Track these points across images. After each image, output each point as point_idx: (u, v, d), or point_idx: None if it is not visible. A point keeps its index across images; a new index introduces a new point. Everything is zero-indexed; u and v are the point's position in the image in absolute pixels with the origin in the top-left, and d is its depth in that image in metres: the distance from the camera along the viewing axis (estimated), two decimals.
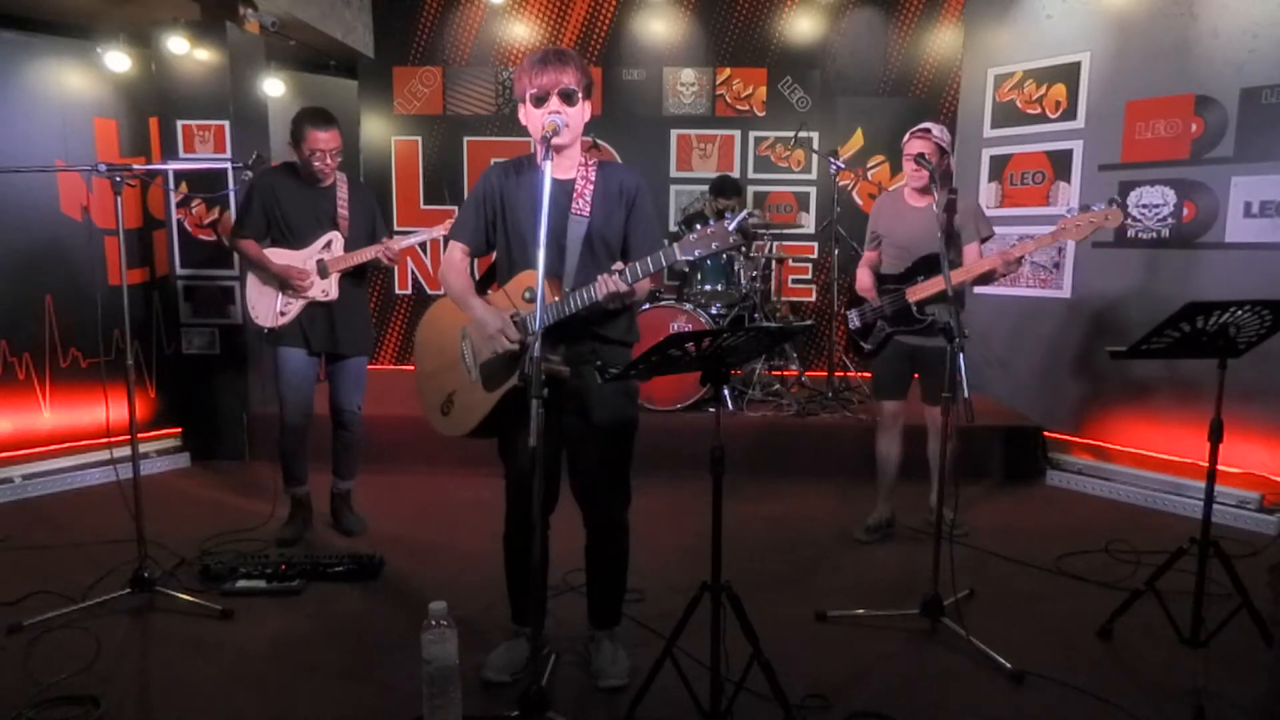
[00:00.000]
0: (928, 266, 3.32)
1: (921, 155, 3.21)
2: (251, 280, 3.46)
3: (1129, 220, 4.52)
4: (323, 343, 3.46)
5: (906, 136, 3.40)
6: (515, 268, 2.29)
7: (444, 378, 2.43)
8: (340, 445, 3.64)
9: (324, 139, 3.31)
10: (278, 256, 3.39)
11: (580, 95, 2.20)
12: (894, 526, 3.66)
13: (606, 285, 2.08)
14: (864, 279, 3.54)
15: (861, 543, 3.57)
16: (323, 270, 3.40)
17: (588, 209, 2.26)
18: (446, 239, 2.49)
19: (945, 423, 2.75)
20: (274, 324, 3.41)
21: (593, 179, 2.29)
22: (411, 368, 2.54)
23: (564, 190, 2.25)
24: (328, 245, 3.42)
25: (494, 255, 2.41)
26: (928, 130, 3.36)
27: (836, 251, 5.21)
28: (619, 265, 2.09)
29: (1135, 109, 4.50)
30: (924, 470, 3.63)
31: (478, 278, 2.44)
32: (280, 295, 3.40)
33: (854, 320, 3.61)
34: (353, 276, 3.49)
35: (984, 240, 3.46)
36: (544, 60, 2.17)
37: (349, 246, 3.43)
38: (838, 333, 5.34)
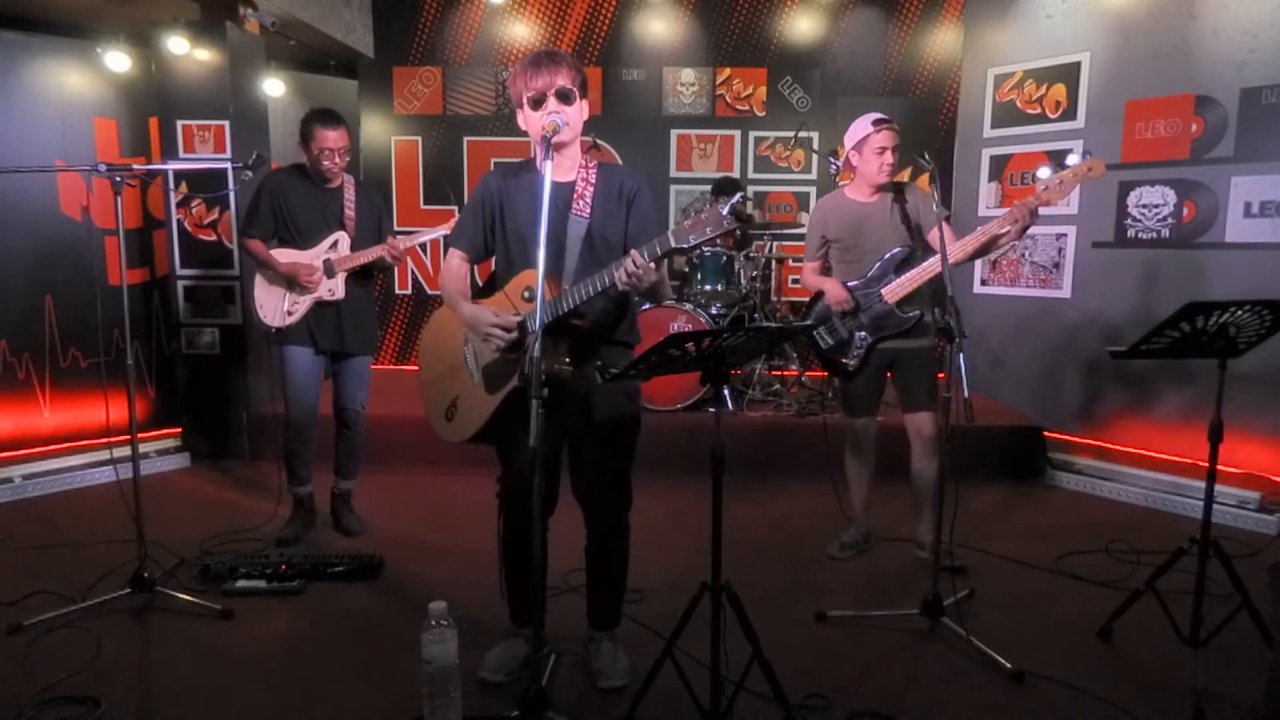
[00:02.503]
0: (895, 263, 3.13)
1: (897, 148, 3.09)
2: (259, 280, 3.46)
3: (1129, 220, 4.52)
4: (330, 341, 3.47)
5: (869, 129, 3.10)
6: (514, 269, 2.30)
7: (448, 383, 2.43)
8: (343, 444, 3.65)
9: (332, 138, 3.33)
10: (285, 256, 3.40)
11: (577, 94, 2.20)
12: (870, 542, 3.51)
13: (628, 267, 2.01)
14: (836, 288, 3.21)
15: (836, 560, 3.39)
16: (329, 270, 3.41)
17: (588, 209, 2.26)
18: (447, 243, 2.49)
19: (945, 423, 2.73)
20: (281, 323, 3.42)
21: (593, 180, 2.29)
22: (412, 368, 2.53)
23: (564, 191, 2.26)
24: (334, 245, 3.44)
25: (493, 262, 2.41)
26: (891, 120, 3.13)
27: None
28: (634, 252, 2.05)
29: (1135, 109, 4.50)
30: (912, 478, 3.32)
31: (480, 285, 2.44)
32: (287, 294, 3.41)
33: (824, 338, 3.30)
34: (359, 276, 3.50)
35: (946, 220, 3.08)
36: (537, 62, 2.17)
37: (355, 246, 3.44)
38: None
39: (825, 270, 3.39)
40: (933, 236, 3.11)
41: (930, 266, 3.04)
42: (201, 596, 2.93)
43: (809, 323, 3.32)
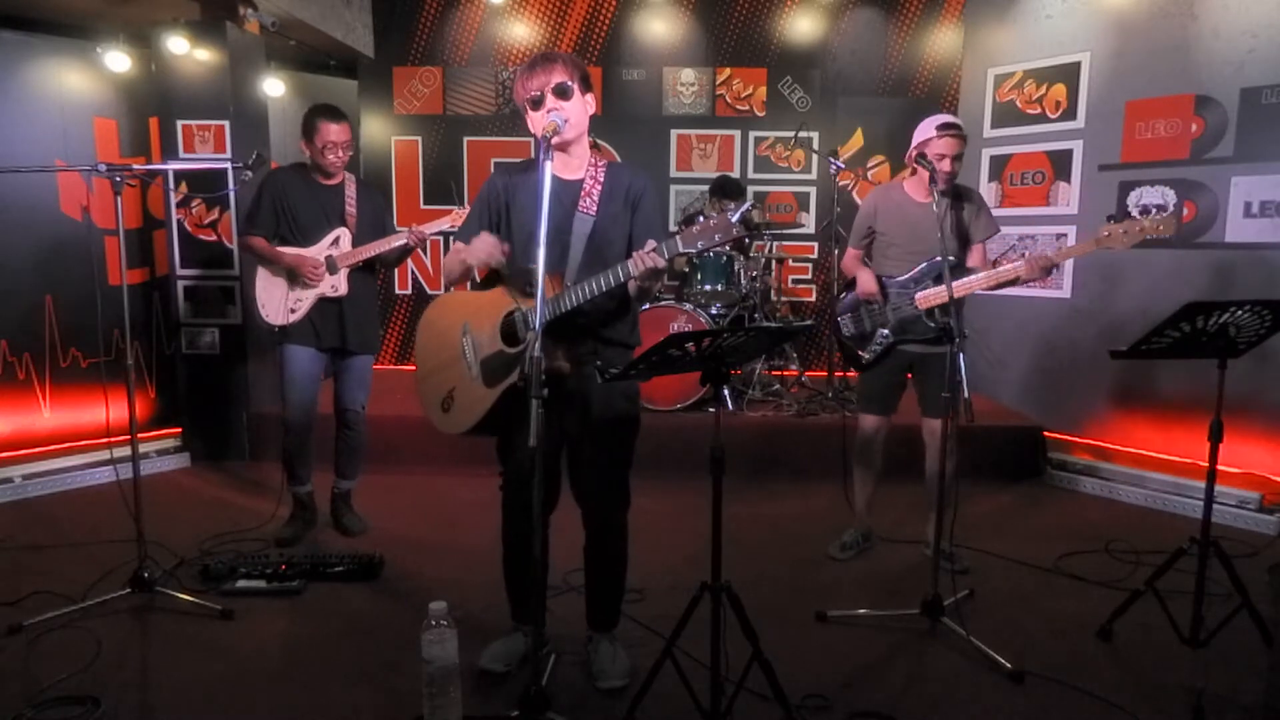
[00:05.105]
0: (938, 271, 3.05)
1: (959, 157, 3.04)
2: (260, 277, 3.46)
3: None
4: (332, 338, 3.46)
5: (932, 131, 3.06)
6: (519, 264, 2.30)
7: (444, 375, 2.43)
8: (343, 444, 3.65)
9: (335, 131, 3.34)
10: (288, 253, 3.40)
11: (576, 89, 2.20)
12: (870, 542, 3.51)
13: (643, 261, 2.03)
14: (868, 281, 3.21)
15: (836, 560, 3.39)
16: (331, 266, 3.41)
17: (594, 208, 2.27)
18: (455, 236, 2.48)
19: (945, 423, 2.73)
20: (284, 321, 3.41)
21: (601, 179, 2.30)
22: (413, 368, 2.54)
23: (572, 189, 2.27)
24: (336, 242, 3.44)
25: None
26: (959, 127, 3.07)
27: (837, 251, 5.20)
28: (652, 243, 2.06)
29: (1135, 109, 4.50)
30: (922, 474, 3.39)
31: (479, 280, 2.44)
32: (290, 291, 3.41)
33: (847, 326, 3.31)
34: (362, 272, 3.50)
35: (988, 239, 3.24)
36: (531, 65, 2.19)
37: (356, 243, 3.44)
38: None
39: (866, 258, 3.37)
40: (973, 250, 3.20)
41: (966, 284, 3.01)
42: (201, 596, 2.93)
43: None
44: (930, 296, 3.09)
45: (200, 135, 4.61)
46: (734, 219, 1.98)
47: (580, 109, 2.24)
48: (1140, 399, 4.50)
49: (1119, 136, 4.57)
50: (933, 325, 3.09)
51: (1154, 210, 2.72)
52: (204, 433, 4.79)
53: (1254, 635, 2.51)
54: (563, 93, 2.18)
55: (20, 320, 4.40)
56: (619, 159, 5.90)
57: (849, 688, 2.43)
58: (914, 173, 3.21)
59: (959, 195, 3.20)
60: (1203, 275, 4.24)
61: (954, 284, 3.02)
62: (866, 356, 3.27)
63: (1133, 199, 4.50)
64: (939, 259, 3.08)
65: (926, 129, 3.10)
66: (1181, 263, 4.32)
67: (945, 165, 3.06)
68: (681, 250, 2.03)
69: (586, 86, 2.26)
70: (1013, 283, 3.02)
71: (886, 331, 3.21)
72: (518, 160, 2.41)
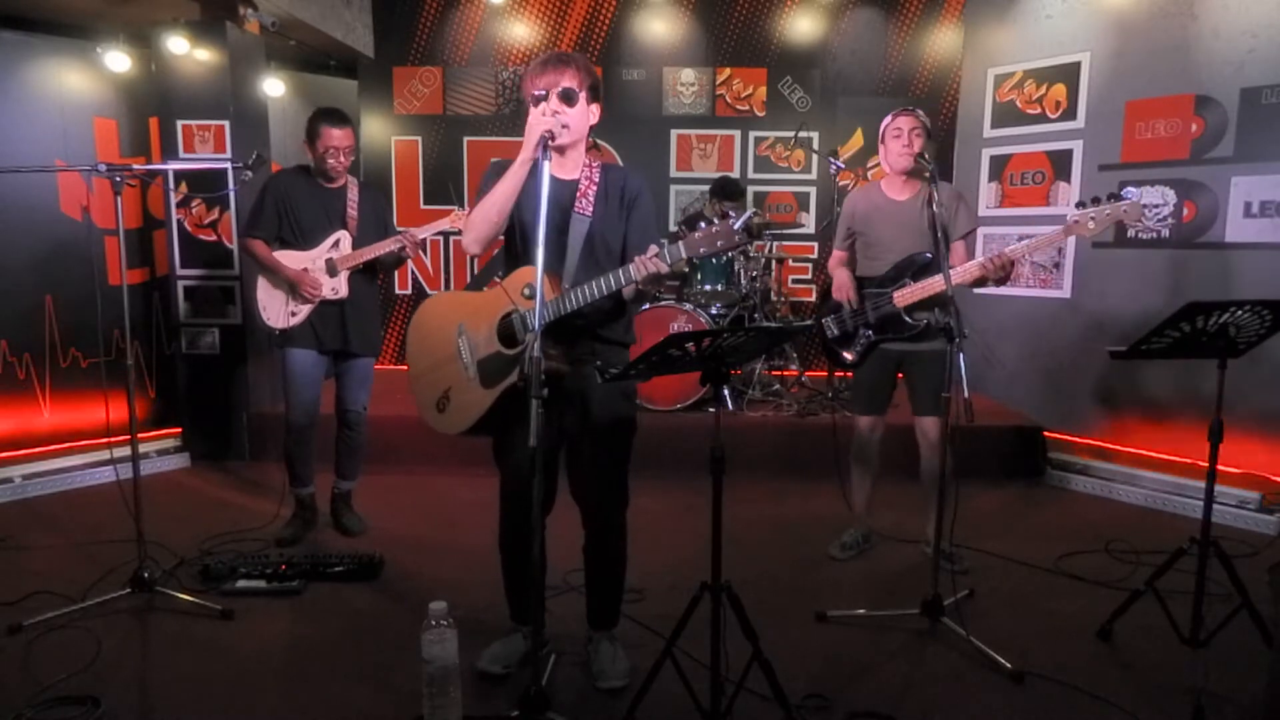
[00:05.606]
0: (914, 268, 3.09)
1: (919, 135, 3.05)
2: (261, 283, 3.46)
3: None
4: (334, 341, 3.47)
5: (889, 118, 3.15)
6: (519, 262, 2.31)
7: (438, 375, 2.42)
8: (344, 445, 3.65)
9: (338, 137, 3.34)
10: (286, 258, 3.40)
11: (583, 96, 2.21)
12: (870, 542, 3.51)
13: (646, 266, 2.04)
14: (844, 280, 3.26)
15: (836, 560, 3.39)
16: (332, 269, 3.41)
17: (590, 209, 2.27)
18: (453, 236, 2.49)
19: (945, 422, 2.73)
20: (285, 324, 3.41)
21: (596, 180, 2.30)
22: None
23: (568, 190, 2.27)
24: (336, 244, 3.44)
25: (499, 250, 2.42)
26: (913, 110, 3.13)
27: None
28: (654, 248, 2.08)
29: (1135, 109, 4.50)
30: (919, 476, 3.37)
31: (476, 273, 2.45)
32: (290, 298, 3.41)
33: (831, 329, 3.32)
34: (363, 275, 3.50)
35: (967, 235, 3.21)
36: (545, 63, 2.20)
37: (356, 246, 3.44)
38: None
39: (853, 260, 3.37)
40: (952, 247, 3.14)
41: (934, 284, 2.99)
42: (201, 596, 2.93)
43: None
44: (907, 294, 3.09)
45: (200, 135, 4.61)
46: (737, 227, 1.98)
47: (583, 117, 2.24)
48: (1140, 399, 4.50)
49: (1119, 136, 4.57)
50: (911, 322, 3.11)
51: (1136, 195, 2.73)
52: (204, 433, 4.80)
53: (1254, 635, 2.51)
54: (568, 98, 2.18)
55: (20, 320, 4.40)
56: (619, 159, 5.92)
57: (849, 688, 2.43)
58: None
59: (934, 190, 3.18)
60: (1203, 275, 4.24)
61: (921, 284, 3.06)
62: (850, 357, 3.29)
63: None
64: (916, 255, 3.11)
65: (886, 118, 3.16)
66: (1181, 262, 4.32)
67: (903, 140, 3.08)
68: (684, 256, 2.04)
69: (594, 96, 2.26)
70: (981, 282, 3.00)
71: (869, 331, 3.22)
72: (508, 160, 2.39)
